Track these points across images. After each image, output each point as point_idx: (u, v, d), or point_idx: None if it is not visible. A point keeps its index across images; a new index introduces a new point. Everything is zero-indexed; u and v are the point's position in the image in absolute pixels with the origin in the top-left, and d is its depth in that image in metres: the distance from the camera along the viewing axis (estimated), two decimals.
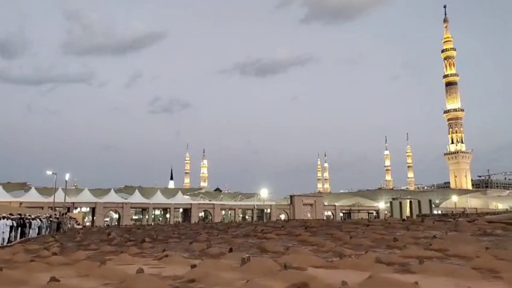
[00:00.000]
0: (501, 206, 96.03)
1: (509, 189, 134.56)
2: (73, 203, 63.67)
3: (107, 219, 71.73)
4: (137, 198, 72.20)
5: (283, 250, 13.94)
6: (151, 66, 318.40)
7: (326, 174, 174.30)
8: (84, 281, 8.60)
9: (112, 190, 73.45)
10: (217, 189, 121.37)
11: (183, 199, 79.81)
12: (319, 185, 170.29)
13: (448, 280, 8.14)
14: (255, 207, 77.84)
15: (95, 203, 66.31)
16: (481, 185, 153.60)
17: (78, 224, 49.74)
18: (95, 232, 33.57)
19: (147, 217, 71.32)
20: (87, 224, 62.54)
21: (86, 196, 68.50)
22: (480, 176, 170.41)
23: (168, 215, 74.03)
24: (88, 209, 68.79)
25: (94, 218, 66.03)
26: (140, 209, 74.58)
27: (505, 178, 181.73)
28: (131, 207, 70.77)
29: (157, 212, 77.62)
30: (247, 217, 78.65)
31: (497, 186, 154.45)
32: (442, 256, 11.94)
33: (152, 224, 61.25)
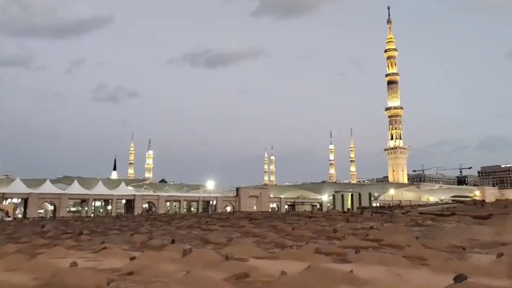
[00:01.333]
0: (432, 198, 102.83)
1: (439, 183, 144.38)
2: (3, 193, 59.59)
3: (42, 210, 67.86)
4: (76, 189, 68.86)
5: (225, 242, 13.98)
6: (96, 52, 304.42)
7: (272, 167, 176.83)
8: (13, 275, 8.08)
9: (48, 181, 69.46)
10: (163, 181, 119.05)
11: (126, 190, 77.36)
12: (266, 178, 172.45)
13: (381, 268, 8.58)
14: (201, 199, 77.29)
15: (29, 193, 62.37)
16: (416, 179, 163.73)
17: (9, 216, 46.80)
18: (27, 225, 31.56)
19: (86, 208, 68.33)
20: (19, 216, 58.78)
21: (18, 186, 64.16)
22: (415, 171, 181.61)
23: (109, 207, 71.45)
24: (19, 200, 64.58)
25: (27, 209, 62.14)
26: (79, 201, 71.33)
27: (437, 173, 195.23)
28: (70, 198, 67.44)
29: (98, 203, 74.68)
30: (192, 209, 77.89)
31: (430, 180, 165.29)
32: (377, 246, 12.56)
33: (92, 216, 58.82)
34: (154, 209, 72.16)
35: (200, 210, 73.32)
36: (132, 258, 9.01)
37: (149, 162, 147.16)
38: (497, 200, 56.93)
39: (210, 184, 77.31)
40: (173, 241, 13.00)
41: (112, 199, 70.89)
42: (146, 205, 74.05)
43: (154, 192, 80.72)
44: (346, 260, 9.83)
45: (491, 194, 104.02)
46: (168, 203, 75.90)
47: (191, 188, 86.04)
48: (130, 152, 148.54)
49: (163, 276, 7.60)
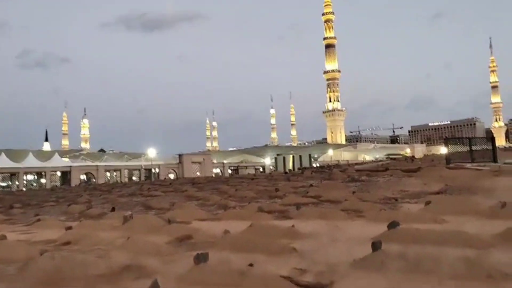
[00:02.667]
0: (368, 157, 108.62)
1: (374, 143, 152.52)
2: None
3: None
4: (4, 162, 64.09)
5: (168, 206, 13.79)
6: (20, 15, 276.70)
7: (214, 133, 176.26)
8: None
9: None
10: (101, 150, 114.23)
11: (61, 161, 73.40)
12: (208, 144, 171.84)
13: (320, 221, 8.92)
14: (143, 167, 75.48)
15: None
16: (353, 140, 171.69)
17: None
18: None
19: (17, 183, 64.17)
20: None
21: None
22: (352, 132, 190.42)
23: (44, 180, 67.63)
24: None
25: None
26: (9, 174, 66.70)
27: (372, 133, 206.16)
28: None
29: (31, 177, 70.37)
30: (134, 178, 75.93)
31: (365, 141, 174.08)
32: (316, 202, 13.04)
33: (24, 190, 55.41)
34: (93, 180, 69.48)
35: (143, 178, 71.73)
36: (68, 228, 8.58)
37: (85, 132, 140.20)
38: (425, 155, 61.49)
39: (151, 152, 75.47)
40: (113, 209, 12.57)
41: (45, 172, 67.07)
42: (84, 177, 71.05)
43: (92, 162, 77.39)
44: (288, 216, 10.10)
45: (420, 150, 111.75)
46: (108, 173, 73.32)
47: (132, 157, 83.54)
48: (63, 122, 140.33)
49: (102, 244, 7.32)
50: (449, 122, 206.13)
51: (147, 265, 5.49)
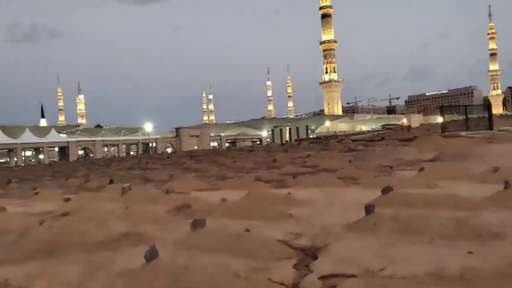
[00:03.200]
0: (364, 128, 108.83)
1: (371, 114, 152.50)
2: None
3: None
4: (0, 138, 63.98)
5: (167, 178, 13.91)
6: None
7: (211, 106, 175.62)
8: None
9: None
10: (98, 126, 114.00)
11: (58, 137, 73.35)
12: (205, 117, 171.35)
13: (316, 188, 9.05)
14: (140, 141, 75.61)
15: None
16: (350, 111, 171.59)
17: None
18: None
19: (15, 159, 64.25)
20: None
21: None
22: (349, 103, 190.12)
23: (41, 156, 67.75)
24: None
25: None
26: (6, 151, 66.70)
27: (368, 104, 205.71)
28: None
29: (28, 153, 70.44)
30: (132, 152, 76.19)
31: (362, 111, 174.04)
32: (313, 171, 13.18)
33: (22, 165, 55.57)
34: (91, 155, 69.63)
35: (140, 153, 71.93)
36: (67, 200, 8.68)
37: (81, 107, 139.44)
38: (421, 125, 61.68)
39: (148, 126, 75.44)
40: (111, 182, 12.67)
41: (43, 148, 67.08)
42: (82, 152, 71.17)
43: (90, 137, 77.33)
44: (285, 185, 10.23)
45: (416, 120, 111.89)
46: (105, 148, 73.50)
47: (129, 132, 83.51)
48: (58, 97, 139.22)
49: (101, 214, 7.42)
50: (446, 91, 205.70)
51: (146, 232, 5.60)
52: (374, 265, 3.66)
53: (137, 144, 75.89)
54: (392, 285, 3.14)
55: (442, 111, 24.11)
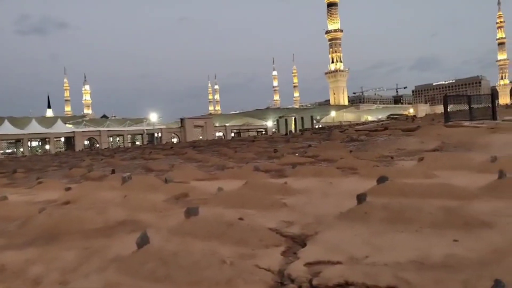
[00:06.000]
0: (370, 118, 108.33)
1: (377, 103, 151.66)
2: None
3: None
4: (7, 129, 64.59)
5: (168, 168, 14.03)
6: None
7: (217, 96, 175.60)
8: None
9: None
10: (104, 116, 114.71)
11: (64, 127, 73.93)
12: (210, 108, 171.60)
13: (314, 178, 9.11)
14: (145, 131, 75.95)
15: None
16: (356, 100, 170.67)
17: None
18: None
19: (22, 149, 64.90)
20: None
21: None
22: (355, 93, 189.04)
23: (48, 146, 68.34)
24: None
25: None
26: (14, 141, 67.36)
27: (375, 94, 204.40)
28: (2, 140, 63.45)
29: (35, 143, 71.09)
30: (137, 142, 76.62)
31: (368, 101, 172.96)
32: (314, 161, 13.22)
33: (29, 155, 56.11)
34: (97, 145, 70.12)
35: (145, 143, 72.29)
36: (68, 189, 8.82)
37: (87, 98, 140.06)
38: (426, 114, 61.29)
39: (153, 117, 75.72)
40: (113, 171, 12.82)
41: (49, 138, 67.64)
42: (87, 142, 71.68)
43: (95, 128, 77.81)
44: (283, 175, 10.30)
45: (423, 110, 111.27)
46: (111, 138, 73.95)
47: (135, 122, 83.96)
48: (64, 88, 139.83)
49: (100, 202, 7.54)
50: (453, 81, 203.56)
51: (142, 220, 5.71)
52: (360, 253, 3.72)
53: (142, 135, 76.26)
54: (374, 272, 3.20)
55: (445, 101, 23.96)
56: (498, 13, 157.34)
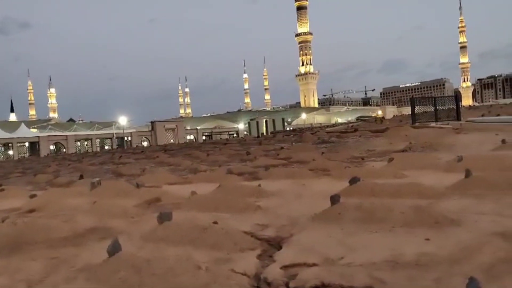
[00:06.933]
0: (340, 120, 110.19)
1: (346, 105, 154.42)
2: None
3: None
4: None
5: (139, 172, 13.75)
6: None
7: (187, 99, 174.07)
8: None
9: None
10: (71, 120, 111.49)
11: (28, 132, 71.30)
12: (181, 111, 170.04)
13: (287, 180, 9.14)
14: (114, 135, 74.28)
15: None
16: (326, 103, 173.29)
17: None
18: None
19: None
20: None
21: None
22: (325, 95, 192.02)
23: (11, 152, 65.67)
24: None
25: None
26: None
27: (344, 96, 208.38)
28: None
29: None
30: (106, 147, 74.78)
31: (338, 103, 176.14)
32: (286, 163, 13.29)
33: None
34: (64, 150, 67.97)
35: (115, 147, 70.68)
36: (33, 196, 8.47)
37: (52, 101, 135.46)
38: (394, 116, 62.95)
39: (123, 120, 74.16)
40: (81, 177, 12.43)
41: (12, 143, 65.05)
42: (53, 147, 69.39)
43: (62, 132, 75.42)
44: (256, 177, 10.28)
45: (390, 112, 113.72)
46: (78, 143, 71.87)
47: (103, 126, 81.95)
48: (28, 91, 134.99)
49: (68, 209, 7.29)
50: (419, 83, 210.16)
51: (113, 226, 5.54)
52: (335, 254, 3.74)
53: (111, 139, 74.55)
54: (349, 272, 3.22)
55: (412, 103, 24.67)
56: (460, 18, 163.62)
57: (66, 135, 70.72)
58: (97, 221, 5.82)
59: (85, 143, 73.43)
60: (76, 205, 7.70)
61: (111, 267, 3.43)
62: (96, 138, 74.25)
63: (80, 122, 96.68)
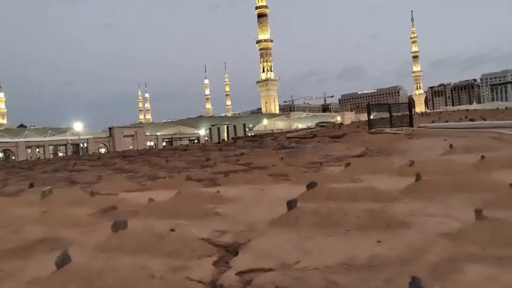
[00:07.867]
0: (300, 126, 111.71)
1: (306, 112, 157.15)
2: None
3: None
4: None
5: (95, 180, 13.30)
6: None
7: (147, 105, 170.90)
8: None
9: None
10: (21, 126, 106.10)
11: None
12: (141, 116, 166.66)
13: (247, 186, 9.16)
14: (69, 142, 71.45)
15: None
16: (286, 109, 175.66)
17: None
18: None
19: None
20: None
21: None
22: (285, 102, 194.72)
23: None
24: None
25: None
26: None
27: (304, 103, 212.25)
28: None
29: None
30: (60, 154, 71.70)
31: (298, 110, 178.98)
32: (246, 169, 13.31)
33: None
34: (13, 157, 64.53)
35: (70, 154, 67.96)
36: None
37: (1, 106, 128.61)
38: (352, 122, 64.77)
39: (78, 126, 71.54)
40: (31, 185, 11.83)
41: None
42: (1, 155, 65.75)
43: (11, 138, 71.58)
44: (216, 183, 10.22)
45: (349, 118, 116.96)
46: (29, 150, 68.49)
47: (57, 132, 78.45)
48: None
49: (15, 220, 6.91)
50: (375, 90, 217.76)
51: (64, 237, 5.32)
52: (291, 258, 3.78)
53: (66, 145, 71.64)
54: (305, 276, 3.27)
55: (368, 109, 25.51)
56: (412, 29, 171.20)
57: (16, 142, 67.19)
58: (47, 232, 5.55)
59: (37, 150, 70.09)
60: (25, 215, 7.31)
61: (60, 280, 3.29)
62: (49, 145, 71.07)
63: (32, 127, 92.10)
